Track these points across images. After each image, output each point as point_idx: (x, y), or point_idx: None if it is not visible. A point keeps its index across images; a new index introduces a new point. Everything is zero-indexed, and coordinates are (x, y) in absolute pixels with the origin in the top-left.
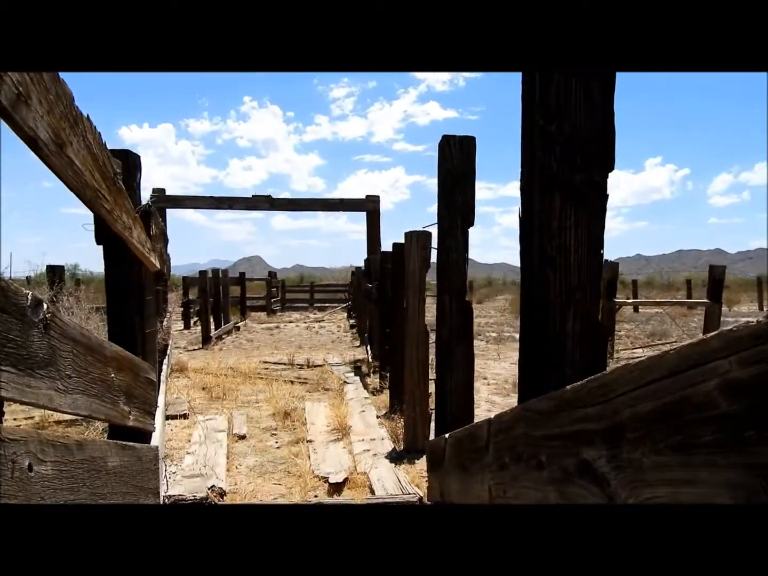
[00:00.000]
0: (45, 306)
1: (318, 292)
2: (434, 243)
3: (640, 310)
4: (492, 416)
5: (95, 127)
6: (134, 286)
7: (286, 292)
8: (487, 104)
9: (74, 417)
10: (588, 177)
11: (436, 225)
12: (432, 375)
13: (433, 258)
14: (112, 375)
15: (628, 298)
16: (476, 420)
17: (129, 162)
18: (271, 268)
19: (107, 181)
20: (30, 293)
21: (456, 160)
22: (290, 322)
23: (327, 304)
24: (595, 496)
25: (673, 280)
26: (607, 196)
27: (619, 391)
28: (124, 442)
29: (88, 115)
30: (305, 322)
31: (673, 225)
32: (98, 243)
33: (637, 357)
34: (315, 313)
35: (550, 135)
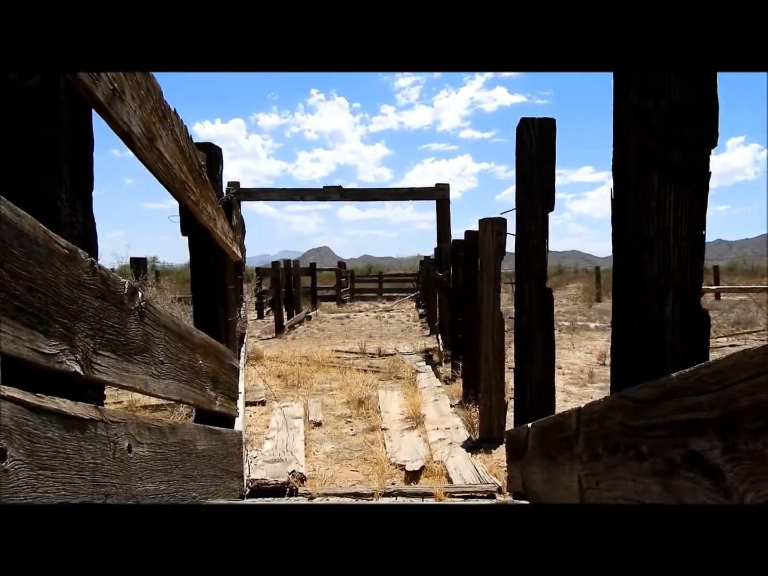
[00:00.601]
0: (140, 294)
1: (386, 281)
2: (510, 229)
3: (722, 298)
4: (570, 406)
5: (182, 121)
6: (218, 275)
7: (355, 282)
8: (556, 87)
9: (158, 402)
10: (687, 154)
11: (514, 211)
12: (508, 364)
13: (509, 245)
14: (200, 361)
15: (710, 285)
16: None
17: (212, 154)
18: (339, 258)
19: (193, 174)
20: (126, 282)
21: (535, 144)
22: (360, 311)
23: (395, 294)
24: (707, 489)
25: (757, 266)
26: (710, 173)
27: (736, 378)
28: (211, 427)
29: (175, 109)
30: (374, 312)
31: (757, 208)
32: (184, 234)
33: (722, 347)
34: (383, 303)
35: (645, 112)
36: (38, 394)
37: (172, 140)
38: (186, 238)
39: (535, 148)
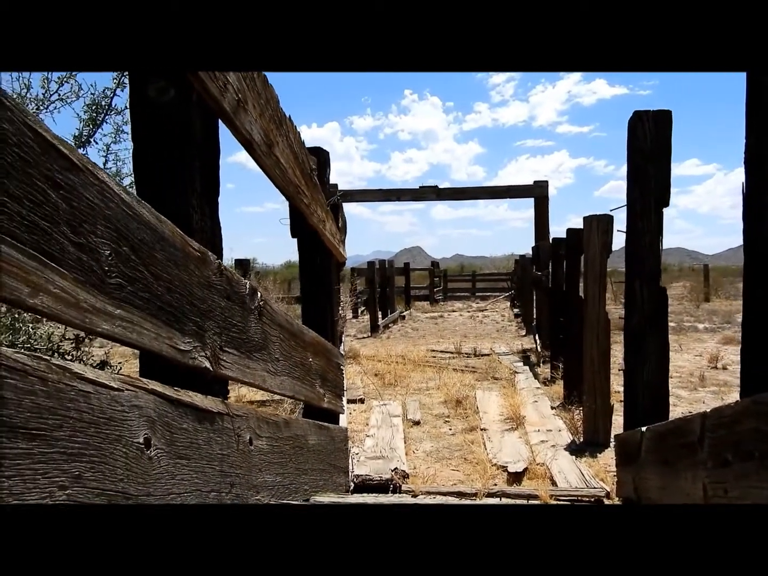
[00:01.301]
0: (259, 294)
1: (479, 281)
2: (618, 226)
3: None
4: (679, 411)
5: (296, 127)
6: (326, 275)
7: (448, 282)
8: (660, 77)
9: (262, 398)
10: None
11: (626, 207)
12: (613, 366)
13: (617, 243)
14: (310, 359)
15: None
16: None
17: (321, 158)
18: (431, 258)
19: (305, 178)
20: (248, 283)
21: (650, 138)
22: (453, 311)
23: (489, 293)
24: None
25: None
26: None
27: None
28: (320, 422)
29: (290, 116)
30: (468, 311)
31: None
32: (293, 236)
33: None
34: (477, 302)
35: None
36: (175, 388)
37: (287, 146)
38: (281, 241)
39: (650, 142)
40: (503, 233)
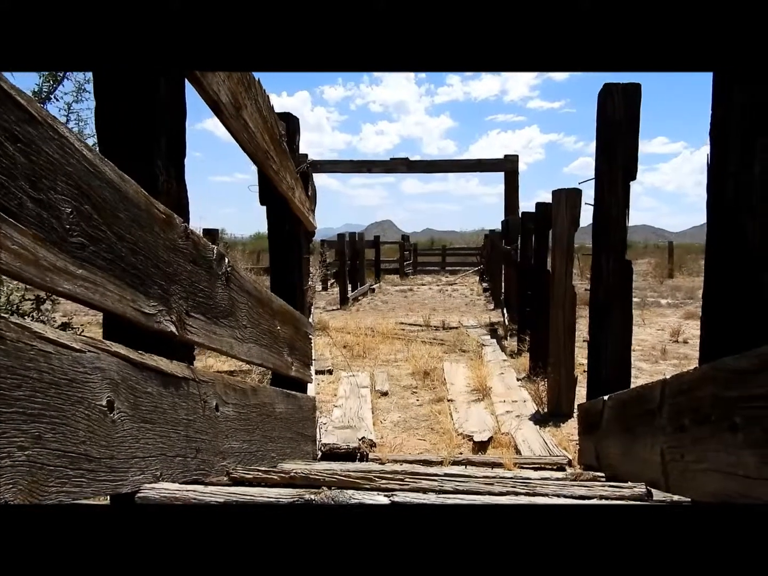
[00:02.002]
0: (227, 260)
1: (449, 255)
2: (586, 199)
3: None
4: (641, 382)
5: (265, 91)
6: (294, 244)
7: (418, 256)
8: None
9: (230, 369)
10: None
11: (592, 182)
12: (579, 340)
13: (587, 218)
14: (278, 327)
15: None
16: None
17: (290, 125)
18: (402, 232)
19: (274, 143)
20: (215, 248)
21: (618, 110)
22: (423, 284)
23: (458, 268)
24: None
25: None
26: None
27: None
28: (288, 391)
29: (259, 79)
30: (437, 285)
31: None
32: (262, 203)
33: None
34: (447, 277)
35: (750, 70)
36: (139, 351)
37: (256, 110)
38: (251, 212)
39: (619, 114)
40: (474, 208)
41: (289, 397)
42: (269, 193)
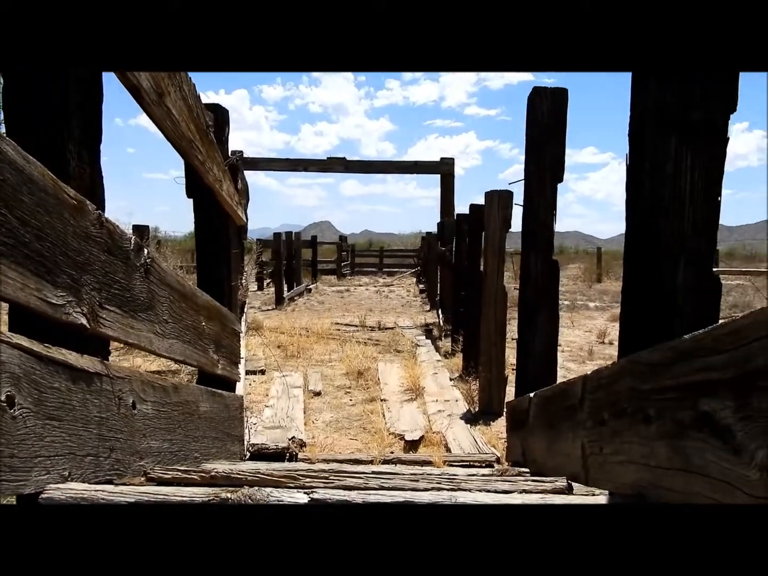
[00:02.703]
0: (146, 251)
1: (387, 256)
2: (517, 200)
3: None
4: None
5: (190, 78)
6: (222, 238)
7: (356, 257)
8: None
9: (159, 368)
10: (708, 116)
11: (523, 181)
12: (509, 338)
13: (516, 219)
14: (203, 323)
15: None
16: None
17: (219, 116)
18: (340, 233)
19: (200, 133)
20: (133, 237)
21: (547, 114)
22: (360, 285)
23: (396, 269)
24: (716, 448)
25: (756, 252)
26: (728, 139)
27: (754, 336)
28: (213, 389)
29: None
30: (375, 286)
31: (759, 194)
32: (189, 196)
33: None
34: (384, 278)
35: (666, 70)
36: (45, 344)
37: (180, 98)
38: (187, 208)
39: (547, 118)
40: (412, 211)
41: (214, 395)
42: (196, 185)
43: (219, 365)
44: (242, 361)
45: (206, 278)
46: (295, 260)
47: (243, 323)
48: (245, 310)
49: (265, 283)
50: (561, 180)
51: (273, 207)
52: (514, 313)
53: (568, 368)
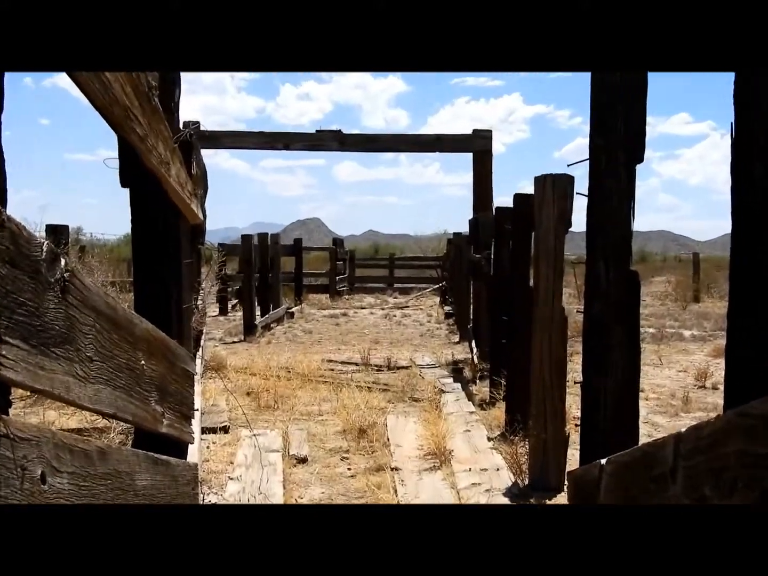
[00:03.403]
0: (63, 262)
1: (400, 267)
2: (580, 187)
3: None
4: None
5: None
6: (170, 243)
7: (357, 268)
8: None
9: (80, 425)
10: None
11: (588, 161)
12: (570, 380)
13: (579, 214)
14: (142, 362)
15: None
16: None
17: (166, 75)
18: (334, 234)
19: (140, 98)
20: (46, 243)
21: (620, 73)
22: (362, 308)
23: (412, 285)
24: None
25: None
26: None
27: None
28: (156, 455)
29: None
30: (382, 309)
31: None
32: (124, 184)
33: None
34: (395, 297)
35: None
36: None
37: None
38: (122, 201)
39: (619, 77)
40: (433, 204)
41: (157, 464)
42: (134, 169)
43: (164, 420)
44: (197, 414)
45: (147, 299)
46: (272, 273)
47: (199, 361)
48: (202, 342)
49: (230, 305)
50: (641, 159)
51: (242, 199)
52: (578, 346)
53: (654, 423)
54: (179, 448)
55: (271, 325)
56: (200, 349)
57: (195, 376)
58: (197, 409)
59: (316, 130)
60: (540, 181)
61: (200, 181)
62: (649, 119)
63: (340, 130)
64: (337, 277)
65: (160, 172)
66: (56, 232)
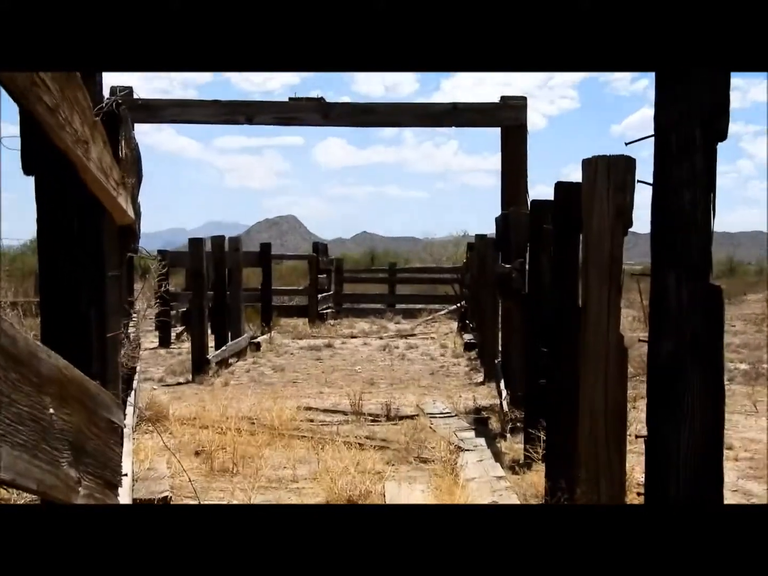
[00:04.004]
0: None
1: (404, 282)
2: (642, 174)
3: None
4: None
5: None
6: (91, 249)
7: (345, 282)
8: None
9: None
10: None
11: (653, 139)
12: (631, 433)
13: (642, 210)
14: (51, 410)
15: None
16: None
17: None
18: (316, 237)
19: None
20: None
21: None
22: (353, 337)
23: (420, 306)
24: None
25: None
26: None
27: None
28: None
29: None
30: (380, 338)
31: None
32: (28, 172)
33: None
34: (399, 322)
35: None
36: None
37: None
38: (26, 195)
39: None
40: (449, 195)
41: None
42: (40, 151)
43: (80, 489)
44: (126, 481)
45: (58, 326)
46: (231, 290)
47: (130, 409)
48: (135, 384)
49: (173, 334)
50: (724, 136)
51: (192, 191)
52: (642, 387)
53: (746, 492)
54: None
55: (230, 361)
56: (132, 393)
57: (124, 430)
58: (126, 474)
59: (290, 98)
60: (590, 165)
61: (132, 167)
62: (733, 81)
63: (322, 99)
64: (320, 296)
65: (75, 155)
66: None
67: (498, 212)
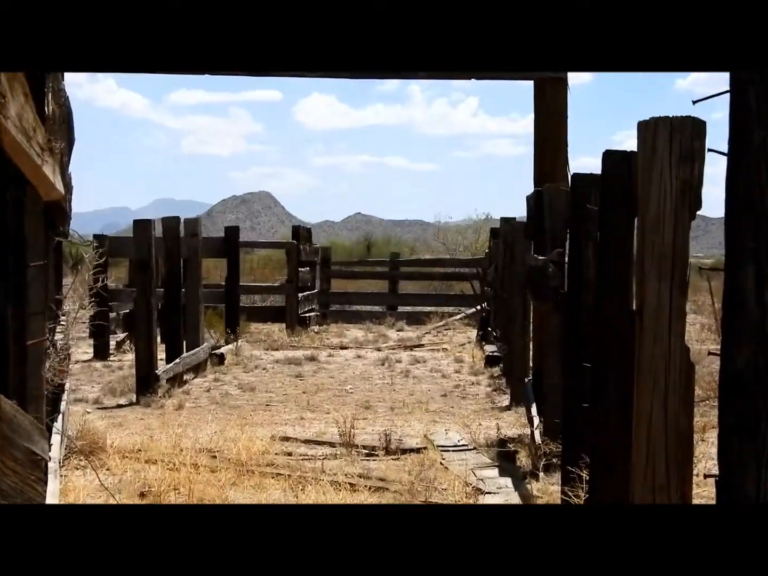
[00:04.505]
0: None
1: (408, 277)
2: (714, 142)
3: None
4: None
5: None
6: (7, 233)
7: (334, 278)
8: None
9: None
10: None
11: (728, 96)
12: (699, 473)
13: (713, 186)
14: None
15: None
16: None
17: None
18: (297, 220)
19: None
20: None
21: None
22: (343, 347)
23: (429, 308)
24: None
25: None
26: None
27: None
28: None
29: None
30: (378, 349)
31: None
32: None
33: None
34: (402, 329)
35: None
36: None
37: None
38: None
39: None
40: (467, 167)
41: None
42: None
43: None
44: None
45: None
46: (187, 286)
47: (57, 438)
48: (63, 406)
49: (113, 343)
50: None
51: (139, 160)
52: (712, 413)
53: None
54: None
55: (185, 377)
56: (60, 417)
57: (49, 464)
58: None
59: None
60: (648, 129)
61: (61, 128)
62: None
63: None
64: (301, 295)
65: None
66: None
67: (529, 189)
